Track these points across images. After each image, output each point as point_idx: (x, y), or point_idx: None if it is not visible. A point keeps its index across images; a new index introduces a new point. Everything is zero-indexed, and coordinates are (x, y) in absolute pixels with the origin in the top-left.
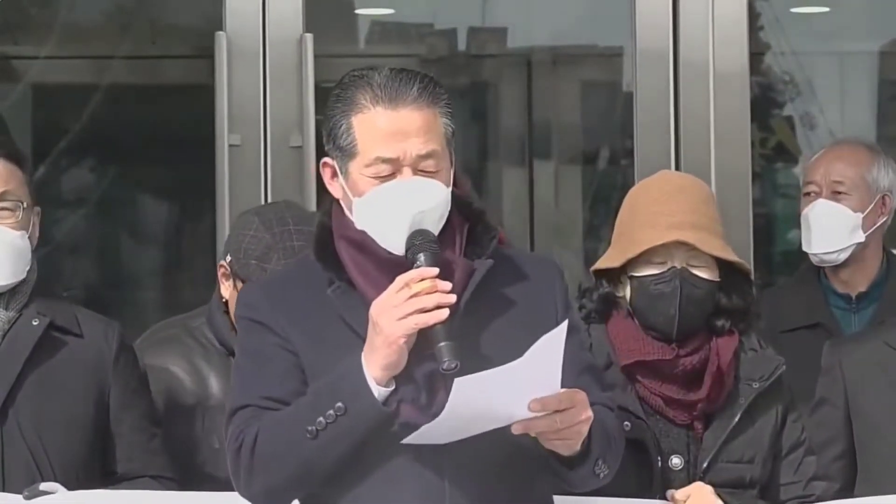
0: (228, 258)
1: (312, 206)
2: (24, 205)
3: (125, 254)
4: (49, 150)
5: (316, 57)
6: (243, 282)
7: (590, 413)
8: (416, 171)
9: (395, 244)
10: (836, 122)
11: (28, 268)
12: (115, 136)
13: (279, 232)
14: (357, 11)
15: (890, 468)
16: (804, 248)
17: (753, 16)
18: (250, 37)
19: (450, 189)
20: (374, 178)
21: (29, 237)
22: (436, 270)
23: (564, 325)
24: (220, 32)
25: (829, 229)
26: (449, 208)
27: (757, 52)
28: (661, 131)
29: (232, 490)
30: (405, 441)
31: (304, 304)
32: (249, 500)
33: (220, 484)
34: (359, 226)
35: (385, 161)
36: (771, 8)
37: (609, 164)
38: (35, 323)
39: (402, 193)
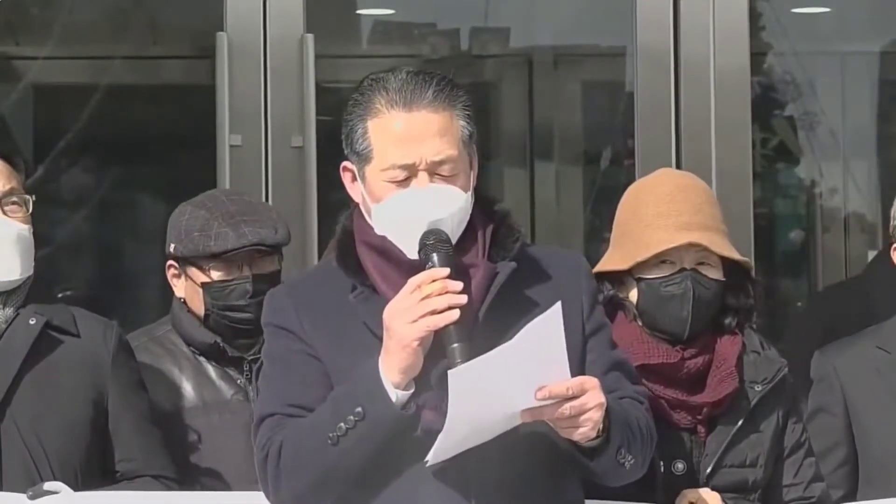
0: (172, 248)
1: (313, 207)
2: (30, 202)
3: (125, 254)
4: (49, 151)
5: (317, 57)
6: (193, 265)
7: (602, 399)
8: (433, 175)
9: (412, 251)
10: (837, 123)
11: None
12: (115, 137)
13: (212, 205)
14: (358, 11)
15: (891, 471)
16: None
17: (754, 16)
18: (251, 37)
19: (469, 193)
20: (390, 182)
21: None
22: (446, 271)
23: (558, 305)
24: (221, 33)
25: None
26: (469, 213)
27: (758, 53)
28: (662, 131)
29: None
30: (430, 464)
31: (328, 310)
32: None
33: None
34: (378, 231)
35: (400, 166)
36: (772, 8)
37: (610, 164)
38: (32, 322)
39: (417, 202)
